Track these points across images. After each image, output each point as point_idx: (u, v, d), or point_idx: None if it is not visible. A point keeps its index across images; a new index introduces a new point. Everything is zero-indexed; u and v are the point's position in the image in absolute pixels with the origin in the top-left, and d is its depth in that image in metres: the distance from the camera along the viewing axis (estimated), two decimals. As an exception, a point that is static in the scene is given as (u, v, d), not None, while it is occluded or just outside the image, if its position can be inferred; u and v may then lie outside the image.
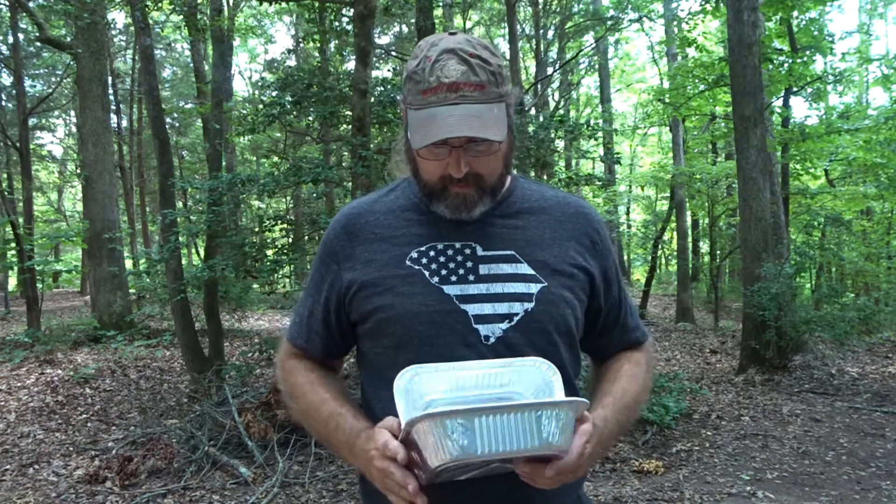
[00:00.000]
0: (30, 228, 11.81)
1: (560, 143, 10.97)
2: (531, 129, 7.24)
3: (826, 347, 7.90)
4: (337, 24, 9.54)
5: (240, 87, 23.69)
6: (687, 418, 5.64)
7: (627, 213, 23.44)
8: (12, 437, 5.50)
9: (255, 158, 20.13)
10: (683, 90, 11.54)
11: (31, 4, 10.43)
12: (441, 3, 12.49)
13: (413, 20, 10.27)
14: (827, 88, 11.95)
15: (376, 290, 1.11)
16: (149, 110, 7.56)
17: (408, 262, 1.12)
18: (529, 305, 1.09)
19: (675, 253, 15.93)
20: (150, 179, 19.24)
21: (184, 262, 9.15)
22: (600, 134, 10.29)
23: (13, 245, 10.28)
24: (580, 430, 0.96)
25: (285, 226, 7.45)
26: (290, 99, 7.02)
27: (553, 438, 0.91)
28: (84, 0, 8.79)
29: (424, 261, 1.11)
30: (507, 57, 13.09)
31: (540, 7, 15.84)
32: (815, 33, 10.26)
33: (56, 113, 21.14)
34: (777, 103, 10.43)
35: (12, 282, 18.58)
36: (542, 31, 16.45)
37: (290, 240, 7.27)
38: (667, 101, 12.58)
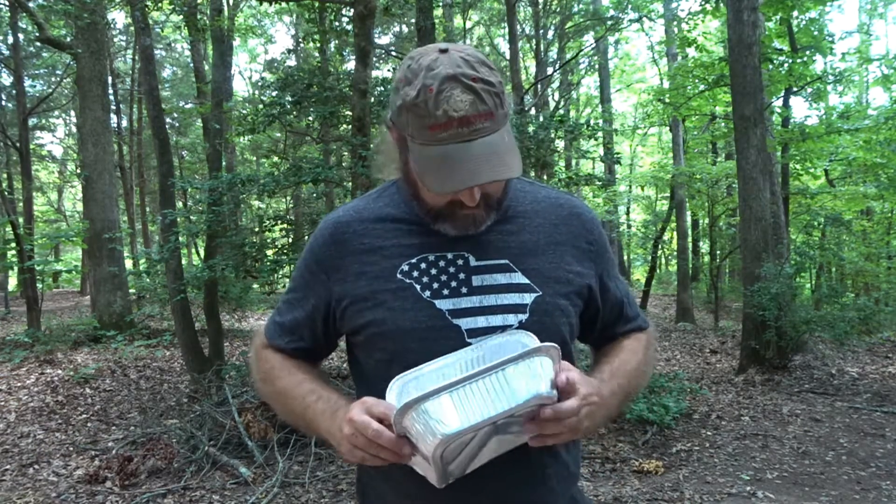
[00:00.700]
0: (30, 228, 11.82)
1: (560, 143, 10.96)
2: (531, 129, 7.23)
3: (826, 347, 7.90)
4: (337, 24, 9.54)
5: (240, 87, 23.72)
6: (687, 418, 5.64)
7: (627, 213, 23.45)
8: (12, 437, 5.50)
9: (255, 158, 20.15)
10: (683, 90, 11.54)
11: (31, 4, 10.42)
12: (441, 3, 12.50)
13: (413, 20, 10.27)
14: (827, 88, 11.95)
15: (367, 305, 1.09)
16: (149, 110, 7.56)
17: (399, 276, 1.09)
18: (523, 317, 1.08)
19: (675, 253, 15.95)
20: (150, 179, 19.24)
21: (184, 262, 9.15)
22: (600, 134, 10.28)
23: (13, 245, 10.28)
24: (563, 366, 0.97)
25: (285, 226, 7.46)
26: (290, 99, 7.02)
27: (532, 390, 0.90)
28: (84, 0, 8.79)
29: (416, 274, 1.09)
30: (507, 57, 13.10)
31: (540, 7, 15.84)
32: (815, 33, 10.27)
33: (56, 113, 21.14)
34: (777, 103, 10.44)
35: (12, 282, 18.59)
36: (542, 31, 16.45)
37: (290, 240, 7.27)
38: (667, 101, 12.59)
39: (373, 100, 6.78)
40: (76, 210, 24.30)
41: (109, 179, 9.82)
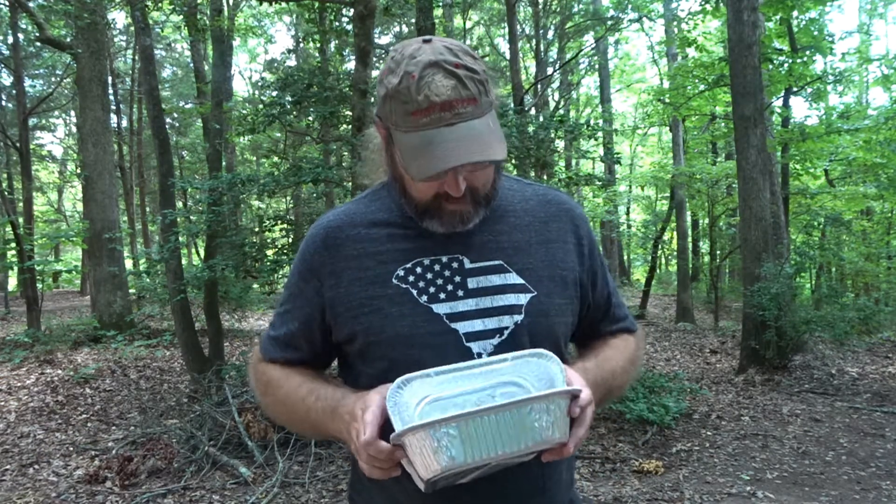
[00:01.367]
0: (30, 228, 11.81)
1: (560, 143, 10.97)
2: (531, 129, 7.23)
3: (826, 347, 7.90)
4: (337, 24, 9.54)
5: (240, 87, 23.73)
6: (687, 418, 5.64)
7: (627, 213, 23.44)
8: (12, 437, 5.50)
9: (255, 158, 20.15)
10: (683, 90, 11.54)
11: (31, 4, 10.43)
12: (441, 3, 12.48)
13: (413, 20, 10.26)
14: (827, 88, 11.94)
15: (363, 311, 1.07)
16: (149, 110, 7.56)
17: (394, 281, 1.08)
18: (519, 318, 1.07)
19: (675, 253, 15.94)
20: (150, 179, 19.24)
21: (184, 262, 9.15)
22: (600, 134, 10.28)
23: (13, 245, 10.28)
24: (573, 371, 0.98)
25: (285, 226, 7.45)
26: (290, 99, 7.01)
27: (546, 433, 0.87)
28: (84, 0, 8.79)
29: (411, 279, 1.08)
30: (507, 57, 13.10)
31: (540, 7, 15.84)
32: (815, 33, 10.27)
33: (56, 113, 21.13)
34: (777, 103, 10.44)
35: (12, 282, 18.57)
36: (542, 31, 16.44)
37: (290, 240, 7.27)
38: (667, 101, 12.59)
39: (373, 100, 6.78)
40: (76, 210, 24.30)
41: (109, 179, 9.82)
